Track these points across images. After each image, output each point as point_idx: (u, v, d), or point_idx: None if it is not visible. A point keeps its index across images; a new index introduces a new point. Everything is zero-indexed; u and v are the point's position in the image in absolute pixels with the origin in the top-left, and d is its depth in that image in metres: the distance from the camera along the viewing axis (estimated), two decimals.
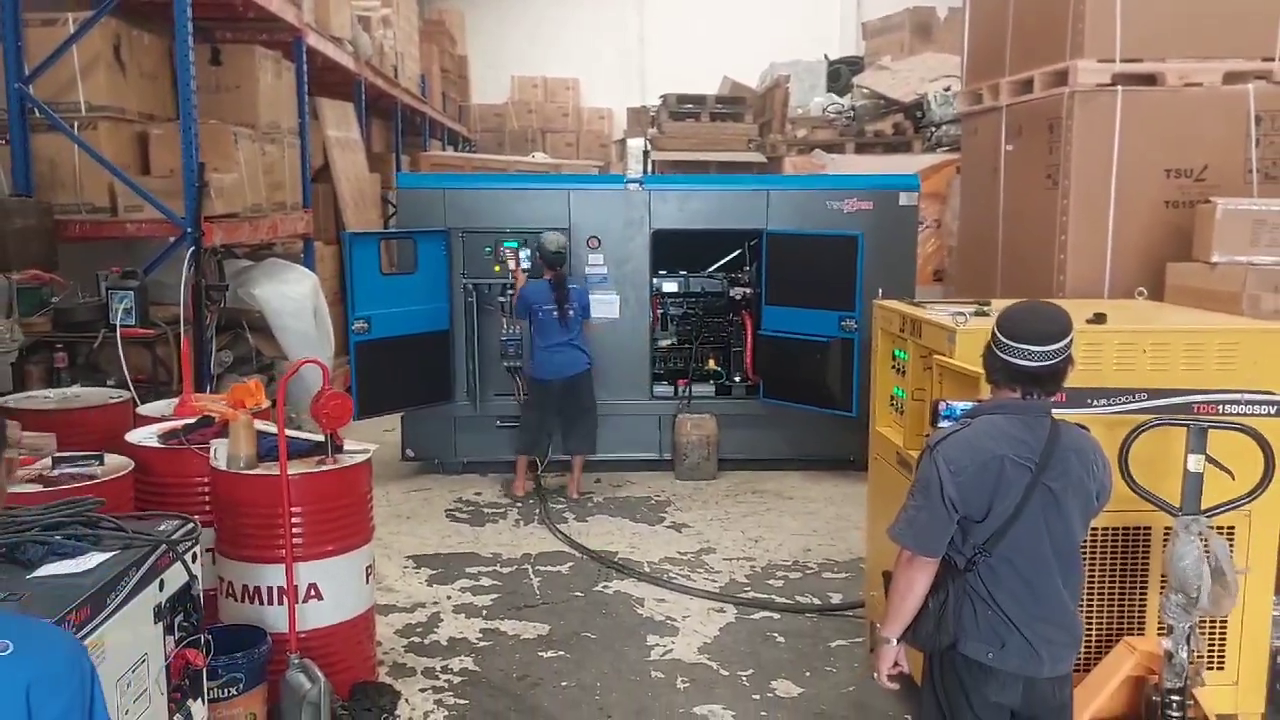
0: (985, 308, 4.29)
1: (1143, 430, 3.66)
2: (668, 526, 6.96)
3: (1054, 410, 3.08)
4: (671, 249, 8.25)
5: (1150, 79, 5.04)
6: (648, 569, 6.16)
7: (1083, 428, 3.13)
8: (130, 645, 3.09)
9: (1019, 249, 5.65)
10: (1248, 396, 3.85)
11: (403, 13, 14.69)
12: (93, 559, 3.08)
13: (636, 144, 15.45)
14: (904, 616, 3.06)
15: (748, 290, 8.16)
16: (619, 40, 22.41)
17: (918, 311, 4.40)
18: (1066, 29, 5.04)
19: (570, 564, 6.26)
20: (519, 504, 7.39)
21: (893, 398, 4.76)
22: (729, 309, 8.34)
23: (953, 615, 3.01)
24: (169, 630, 3.35)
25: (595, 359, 7.88)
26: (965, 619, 3.00)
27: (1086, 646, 4.06)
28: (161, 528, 3.43)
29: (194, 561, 3.51)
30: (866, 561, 5.25)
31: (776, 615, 5.54)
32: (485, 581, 5.98)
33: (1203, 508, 3.60)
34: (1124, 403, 3.87)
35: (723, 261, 8.54)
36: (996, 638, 2.98)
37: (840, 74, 12.91)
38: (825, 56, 13.26)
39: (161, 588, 3.29)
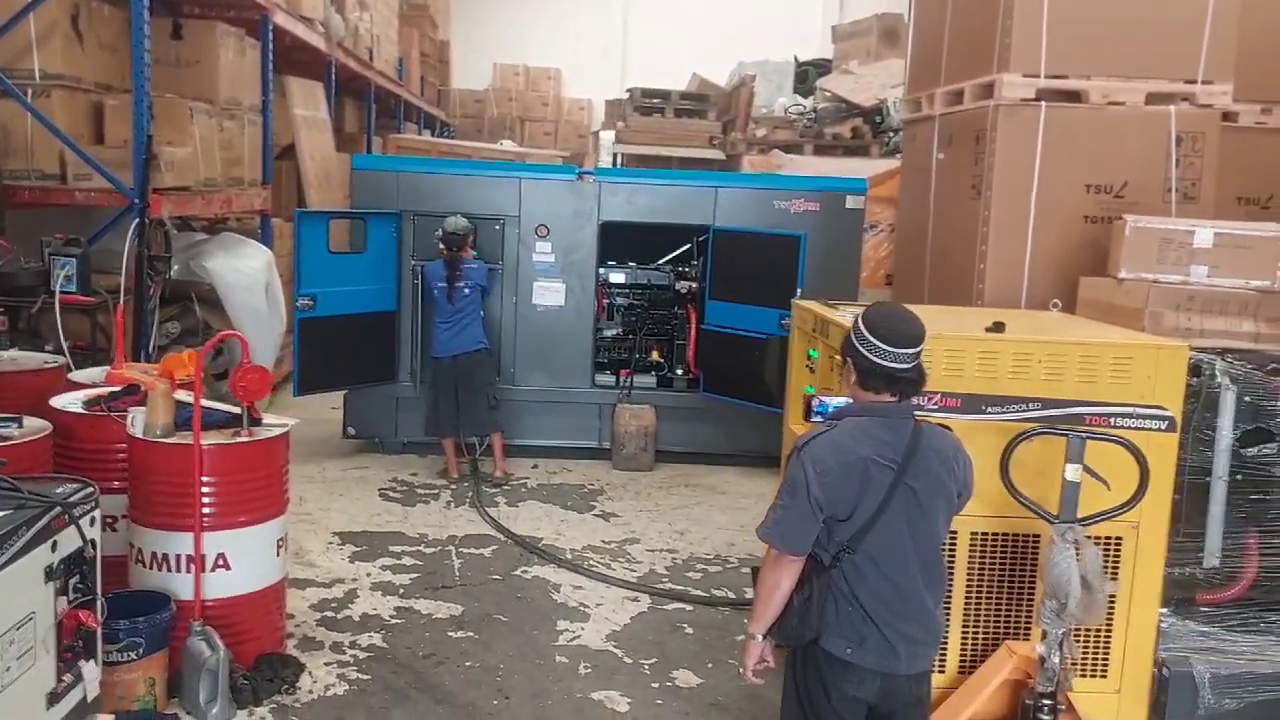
0: None
1: (1024, 438, 3.77)
2: (596, 515, 7.04)
3: (921, 414, 3.17)
4: (621, 241, 8.33)
5: (1074, 95, 5.15)
6: (569, 556, 6.24)
7: (945, 428, 3.22)
8: (15, 603, 3.15)
9: (944, 256, 5.76)
10: (1139, 410, 3.97)
11: None
12: None
13: (609, 136, 15.53)
14: (770, 613, 3.14)
15: (693, 284, 8.26)
16: (603, 32, 22.48)
17: (826, 311, 4.50)
18: (994, 43, 5.15)
19: (494, 547, 6.34)
20: (453, 486, 7.47)
21: (805, 395, 4.84)
22: (674, 302, 8.44)
23: (816, 612, 3.08)
24: (61, 591, 3.42)
25: (538, 346, 7.98)
26: (827, 614, 3.08)
27: (972, 649, 4.17)
28: (59, 490, 3.50)
29: (92, 526, 3.58)
30: None
31: (689, 607, 5.64)
32: (407, 561, 6.05)
33: (1080, 517, 3.71)
34: (1017, 411, 3.98)
35: (671, 256, 8.63)
36: (856, 633, 3.07)
37: (808, 75, 13.00)
38: (795, 58, 13.36)
39: (54, 549, 3.36)
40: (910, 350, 3.05)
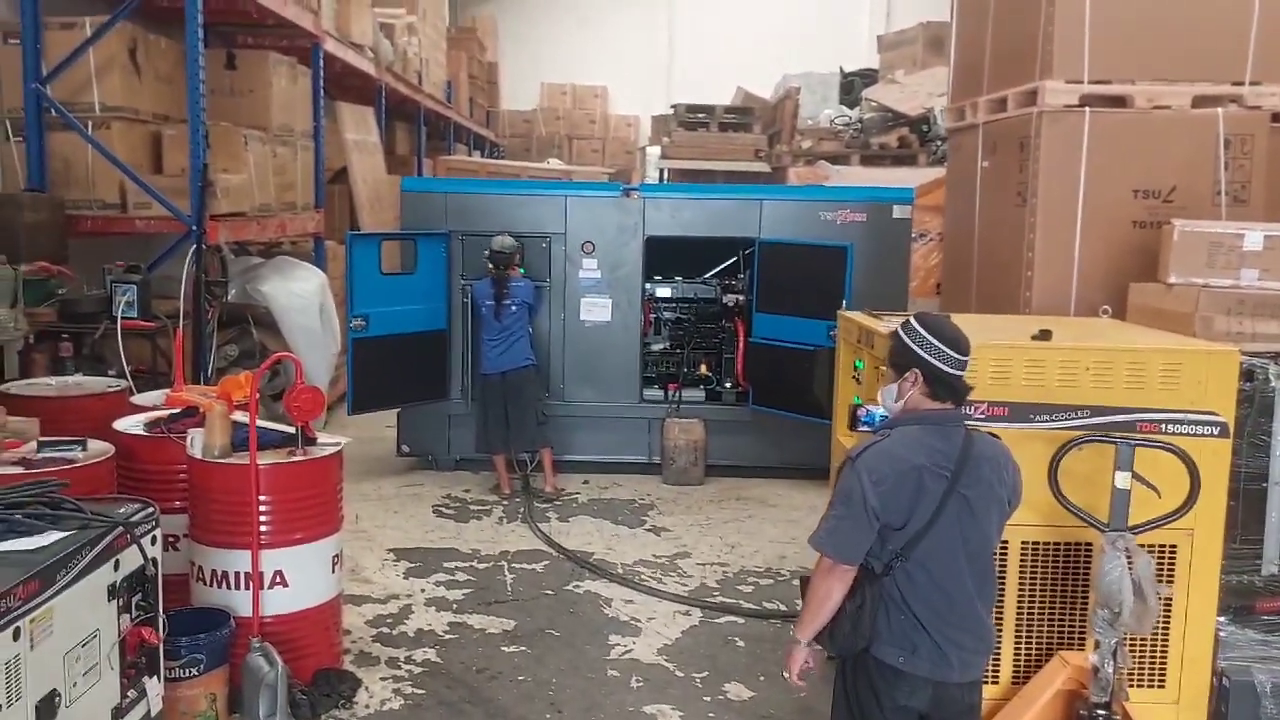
0: None
1: (1071, 446, 3.74)
2: (647, 530, 7.07)
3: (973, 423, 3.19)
4: (667, 256, 8.38)
5: (1119, 100, 5.10)
6: (621, 570, 6.28)
7: (993, 435, 3.23)
8: (81, 620, 3.24)
9: (992, 264, 5.73)
10: (1191, 416, 3.92)
11: (429, 20, 14.93)
12: (49, 537, 3.25)
13: (655, 151, 15.62)
14: (819, 622, 3.15)
15: (740, 297, 8.28)
16: (648, 49, 22.61)
17: (871, 322, 4.51)
18: (1037, 50, 5.12)
19: (546, 562, 6.39)
20: (505, 502, 7.54)
21: (851, 406, 4.84)
22: (721, 315, 8.46)
23: (869, 621, 3.09)
24: (124, 609, 3.52)
25: (586, 361, 8.04)
26: (879, 623, 3.09)
27: (1026, 659, 4.14)
28: (121, 510, 3.60)
29: (153, 545, 3.68)
30: None
31: (741, 620, 5.65)
32: (460, 577, 6.12)
33: (1131, 525, 3.67)
34: (1066, 419, 3.96)
35: (718, 269, 8.65)
36: (908, 642, 3.08)
37: (854, 86, 12.98)
38: (840, 69, 13.36)
39: (117, 567, 3.45)
40: (968, 359, 3.12)
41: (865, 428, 3.33)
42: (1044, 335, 4.07)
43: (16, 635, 2.92)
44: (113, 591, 3.44)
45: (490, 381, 7.62)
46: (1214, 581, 4.09)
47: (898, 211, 7.95)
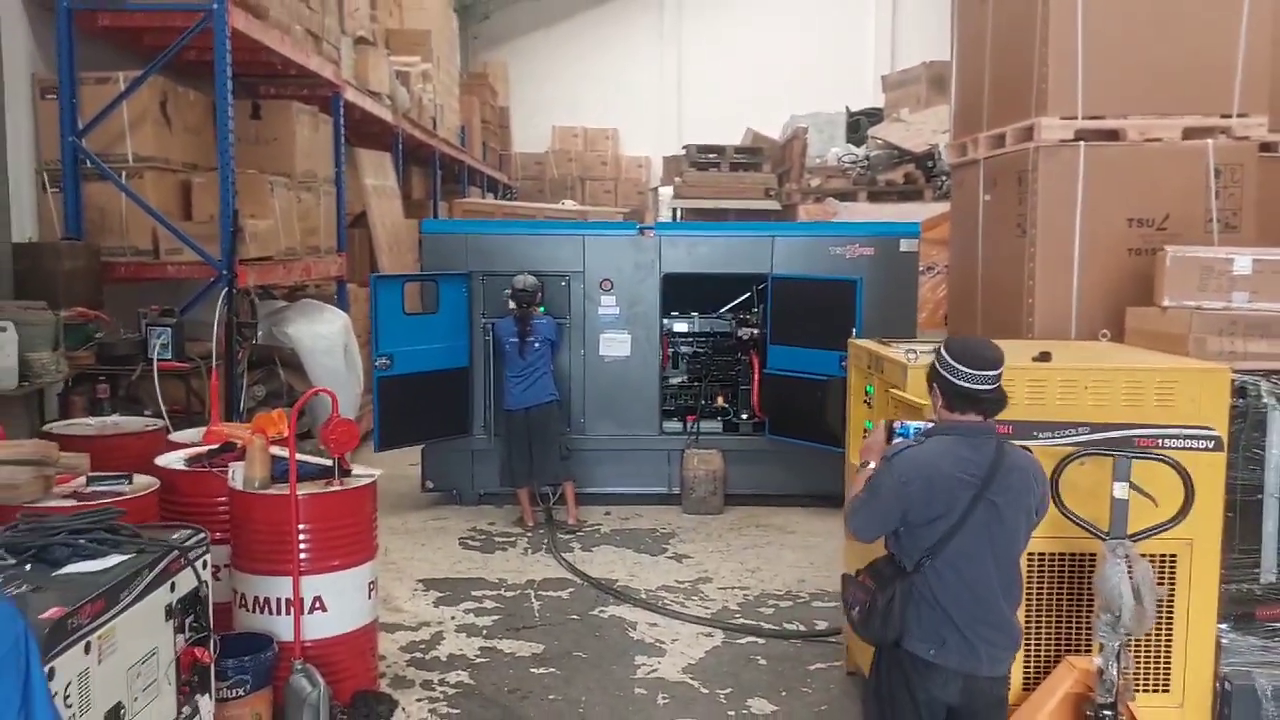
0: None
1: (1072, 459, 3.94)
2: (669, 557, 7.26)
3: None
4: (683, 292, 8.62)
5: (1112, 134, 5.33)
6: (644, 595, 6.46)
7: (1025, 449, 3.47)
8: (141, 639, 3.46)
9: (995, 293, 5.94)
10: (1186, 431, 4.11)
11: (444, 67, 15.32)
12: (111, 560, 3.47)
13: (667, 192, 15.92)
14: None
15: (755, 331, 8.50)
16: (658, 92, 23.00)
17: (880, 349, 4.72)
18: (1032, 88, 5.37)
19: (571, 590, 6.58)
20: (529, 534, 7.73)
21: (864, 431, 5.05)
22: (737, 349, 8.68)
23: (899, 613, 3.35)
24: (179, 630, 3.73)
25: (606, 396, 8.26)
26: (910, 618, 3.35)
27: (1035, 666, 4.30)
28: (175, 536, 3.83)
29: (204, 569, 3.89)
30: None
31: (762, 640, 5.82)
32: (488, 604, 6.31)
33: (1130, 533, 3.86)
34: (1068, 435, 4.15)
35: (733, 304, 8.89)
36: (938, 636, 3.32)
37: (860, 125, 13.28)
38: (846, 109, 13.67)
39: (173, 589, 3.68)
40: (989, 373, 3.37)
41: (900, 439, 3.58)
42: (1044, 357, 4.28)
43: (87, 650, 3.14)
44: (169, 612, 3.65)
45: (514, 417, 7.84)
46: (1214, 589, 4.26)
47: (905, 245, 8.19)
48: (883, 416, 4.73)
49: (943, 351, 3.45)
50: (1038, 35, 5.33)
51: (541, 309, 7.95)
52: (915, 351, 4.31)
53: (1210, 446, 4.09)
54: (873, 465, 3.53)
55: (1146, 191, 5.30)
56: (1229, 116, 5.29)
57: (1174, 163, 5.30)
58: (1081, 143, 5.29)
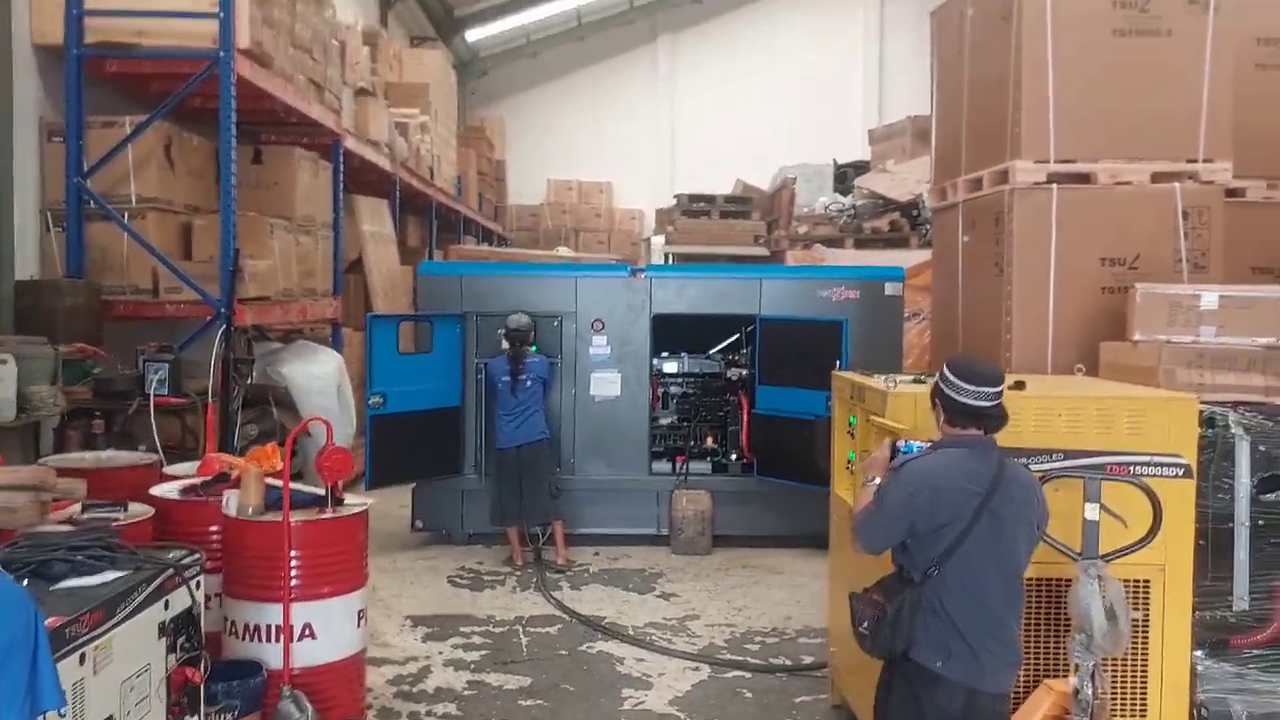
0: (923, 378, 4.73)
1: (1045, 480, 4.04)
2: (657, 596, 7.32)
3: None
4: (673, 333, 8.76)
5: (1084, 177, 5.53)
6: (632, 632, 6.52)
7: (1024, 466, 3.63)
8: (136, 653, 3.54)
9: (974, 330, 6.10)
10: (1156, 459, 4.23)
11: (441, 120, 15.60)
12: (108, 575, 3.56)
13: (659, 242, 16.17)
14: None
15: (744, 371, 8.63)
16: (651, 145, 23.38)
17: (862, 379, 4.85)
18: (1007, 132, 5.57)
19: (559, 626, 6.64)
20: (518, 572, 7.79)
21: (848, 461, 5.17)
22: (726, 389, 8.80)
23: (906, 623, 3.45)
24: (171, 648, 3.81)
25: (596, 435, 8.36)
26: (917, 628, 3.45)
27: (1015, 689, 4.37)
28: (171, 555, 3.92)
29: (198, 588, 3.98)
30: (829, 617, 5.59)
31: (748, 674, 5.88)
32: (476, 640, 6.37)
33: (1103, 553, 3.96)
34: (1042, 461, 4.27)
35: (722, 345, 9.03)
36: (944, 647, 3.42)
37: (847, 176, 13.56)
38: (834, 160, 13.96)
39: (167, 607, 3.75)
40: (989, 389, 3.53)
41: (904, 456, 3.70)
42: (1019, 386, 4.40)
43: (82, 660, 3.22)
44: (163, 629, 3.73)
45: (505, 455, 7.93)
46: (1187, 613, 4.35)
47: (889, 289, 8.36)
48: (864, 445, 4.87)
49: (945, 370, 3.62)
50: (1011, 82, 5.54)
51: (534, 348, 8.09)
52: (894, 379, 4.44)
53: (1180, 474, 4.20)
54: (878, 480, 3.66)
55: (1118, 232, 5.48)
56: (1195, 161, 5.49)
57: (1144, 205, 5.49)
58: (1054, 185, 5.48)
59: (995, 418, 3.55)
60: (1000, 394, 3.55)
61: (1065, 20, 5.40)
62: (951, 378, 3.55)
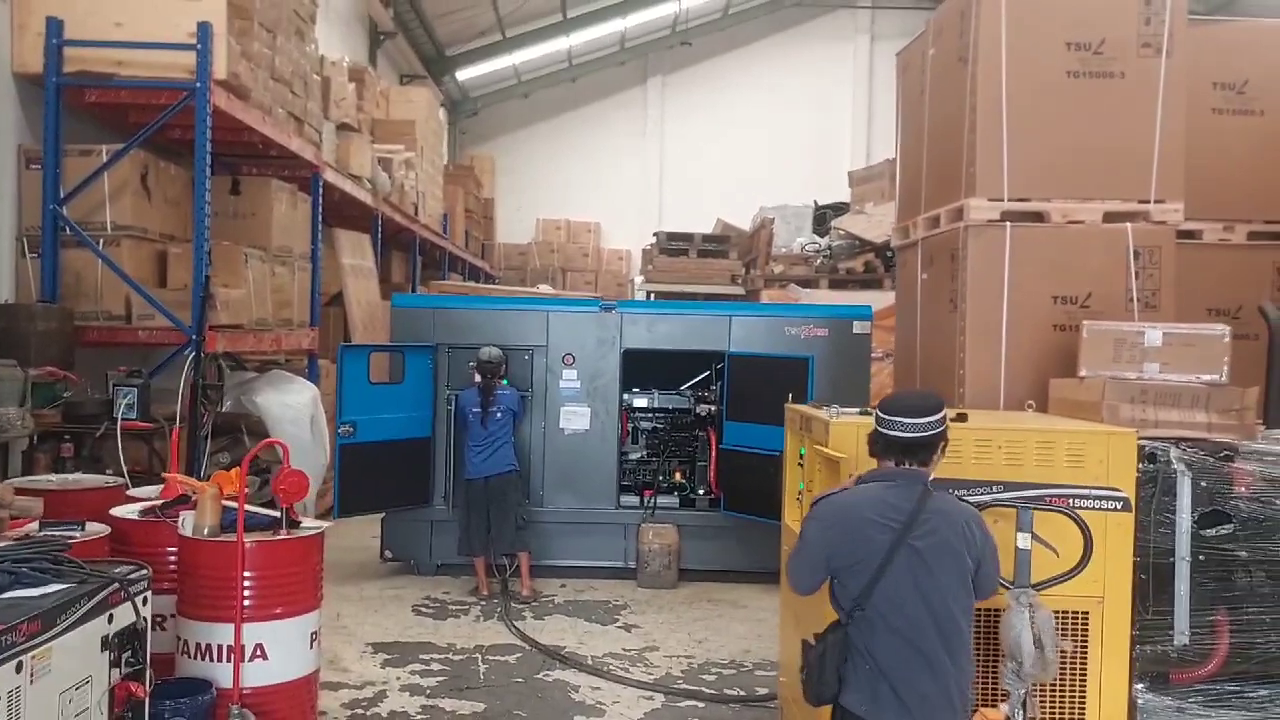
0: (869, 410, 4.80)
1: (982, 510, 4.10)
2: (619, 627, 7.34)
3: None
4: (644, 368, 8.84)
5: (1038, 216, 5.64)
6: (590, 661, 6.53)
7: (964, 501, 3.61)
8: (76, 665, 3.56)
9: (932, 364, 6.19)
10: (1095, 492, 4.30)
11: (427, 156, 15.76)
12: (51, 588, 3.59)
13: (642, 280, 16.31)
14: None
15: (713, 408, 8.70)
16: (640, 187, 23.64)
17: (811, 410, 4.92)
18: (962, 172, 5.69)
19: (519, 655, 6.65)
20: (483, 602, 7.81)
21: (799, 491, 5.22)
22: (695, 425, 8.87)
23: (830, 668, 3.37)
24: (115, 663, 3.82)
25: (565, 468, 8.41)
26: (846, 671, 3.37)
27: None
28: (118, 570, 3.95)
29: (145, 605, 4.00)
30: (780, 644, 5.61)
31: (701, 704, 5.90)
32: (435, 666, 6.38)
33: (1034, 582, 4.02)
34: (982, 493, 4.33)
35: (692, 382, 9.10)
36: (870, 690, 3.31)
37: (826, 217, 13.73)
38: (815, 202, 14.13)
39: (110, 621, 3.77)
40: (904, 419, 3.47)
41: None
42: (961, 418, 4.48)
43: (19, 669, 3.24)
44: (105, 643, 3.74)
45: (474, 486, 7.97)
46: (1125, 646, 4.41)
47: (857, 327, 8.45)
48: (811, 475, 4.93)
49: (879, 402, 3.65)
50: (967, 122, 5.66)
51: (504, 381, 8.15)
52: (837, 410, 4.51)
53: (1119, 507, 4.27)
54: None
55: (1070, 270, 5.58)
56: (1147, 202, 5.61)
57: (1096, 244, 5.60)
58: (1008, 223, 5.59)
59: (907, 447, 3.45)
60: (923, 426, 3.44)
61: (1020, 61, 5.54)
62: (877, 410, 3.58)
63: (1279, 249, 6.36)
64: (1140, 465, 4.50)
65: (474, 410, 7.95)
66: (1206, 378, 4.85)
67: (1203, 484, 4.58)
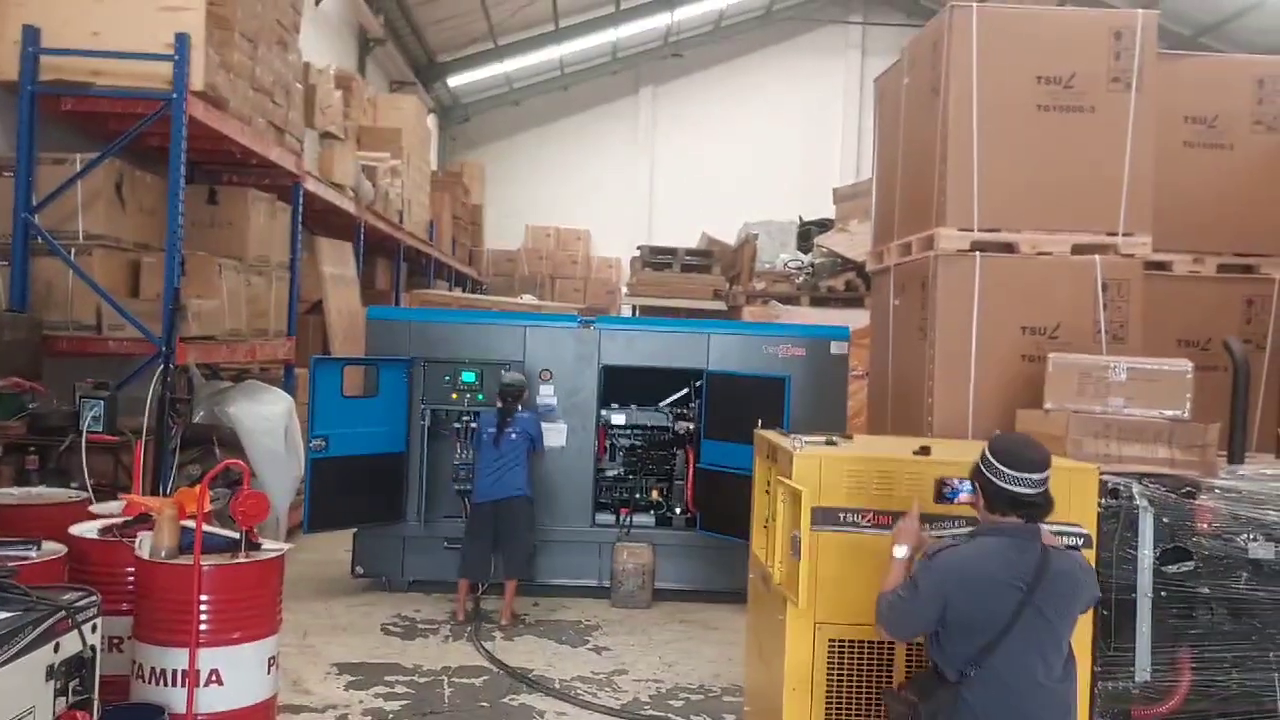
0: (835, 439, 4.78)
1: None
2: (589, 649, 7.29)
3: None
4: (622, 385, 8.79)
5: (1007, 246, 5.63)
6: (558, 685, 6.48)
7: (1073, 548, 3.58)
8: (19, 694, 3.51)
9: (902, 392, 6.17)
10: (1055, 527, 4.27)
11: (414, 164, 15.71)
12: None
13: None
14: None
15: (691, 425, 8.66)
16: (630, 197, 23.66)
17: (775, 438, 4.89)
18: (933, 201, 5.67)
19: (485, 678, 6.60)
20: (453, 622, 7.74)
21: (764, 524, 5.18)
22: (673, 443, 8.83)
23: None
24: (61, 692, 3.77)
25: (540, 485, 8.35)
26: None
27: None
28: (66, 597, 3.90)
29: (93, 632, 3.95)
30: (745, 674, 5.58)
31: None
32: (400, 689, 6.32)
33: None
34: (945, 527, 4.30)
35: (670, 399, 9.06)
36: None
37: (810, 234, 13.73)
38: (800, 218, 14.14)
39: (57, 649, 3.72)
40: (1034, 475, 3.36)
41: (948, 501, 3.67)
42: (924, 451, 4.46)
43: None
44: (51, 672, 3.69)
45: (481, 509, 7.82)
46: (1086, 683, 4.37)
47: (835, 348, 8.43)
48: (773, 507, 4.89)
49: (986, 451, 3.45)
50: (939, 152, 5.65)
51: (520, 407, 7.95)
52: (801, 440, 4.48)
53: (1080, 543, 4.25)
54: (905, 550, 3.53)
55: (1039, 301, 5.56)
56: (1116, 235, 5.60)
57: (1064, 275, 5.59)
58: (978, 253, 5.58)
59: (1038, 505, 3.38)
60: (1045, 480, 3.36)
61: (991, 93, 5.53)
62: (993, 460, 3.39)
63: (1249, 281, 6.36)
64: (1102, 500, 4.47)
65: (489, 431, 7.81)
66: (1169, 413, 4.84)
67: (1165, 520, 4.56)
